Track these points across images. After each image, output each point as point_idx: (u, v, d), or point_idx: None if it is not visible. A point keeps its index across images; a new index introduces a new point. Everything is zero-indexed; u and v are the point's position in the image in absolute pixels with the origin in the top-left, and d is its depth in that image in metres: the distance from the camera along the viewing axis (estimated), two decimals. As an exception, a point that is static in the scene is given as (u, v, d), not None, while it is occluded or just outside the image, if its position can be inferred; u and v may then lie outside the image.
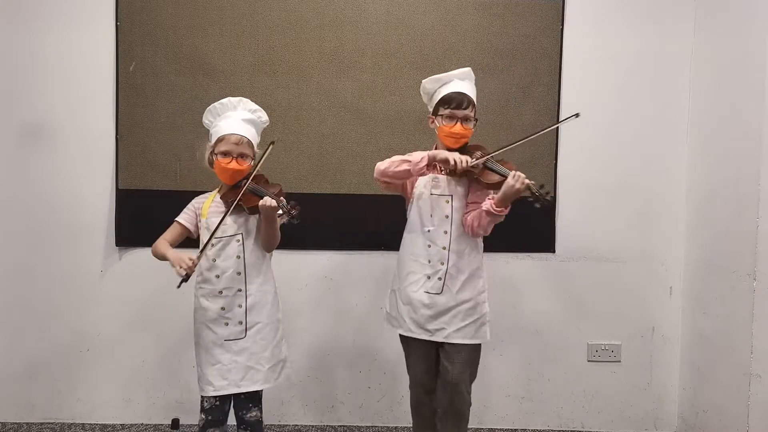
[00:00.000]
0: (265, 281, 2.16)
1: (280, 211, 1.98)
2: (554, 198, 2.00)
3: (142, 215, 2.81)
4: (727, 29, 2.60)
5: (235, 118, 2.13)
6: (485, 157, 2.14)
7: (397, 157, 2.16)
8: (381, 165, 2.17)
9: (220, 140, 2.10)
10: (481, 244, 2.26)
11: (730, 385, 2.49)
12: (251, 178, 2.09)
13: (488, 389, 2.88)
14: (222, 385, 2.09)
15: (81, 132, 2.82)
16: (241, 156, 2.10)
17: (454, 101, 2.16)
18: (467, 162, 2.09)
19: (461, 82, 2.21)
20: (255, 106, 2.20)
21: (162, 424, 2.89)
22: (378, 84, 2.81)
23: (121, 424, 2.88)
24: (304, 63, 2.80)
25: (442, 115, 2.18)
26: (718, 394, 2.57)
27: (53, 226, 2.84)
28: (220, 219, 2.07)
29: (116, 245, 2.84)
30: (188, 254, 2.04)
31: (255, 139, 2.17)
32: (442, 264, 2.16)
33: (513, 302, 2.89)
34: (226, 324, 2.10)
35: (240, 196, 2.05)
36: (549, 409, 2.93)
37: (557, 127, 2.80)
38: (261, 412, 2.20)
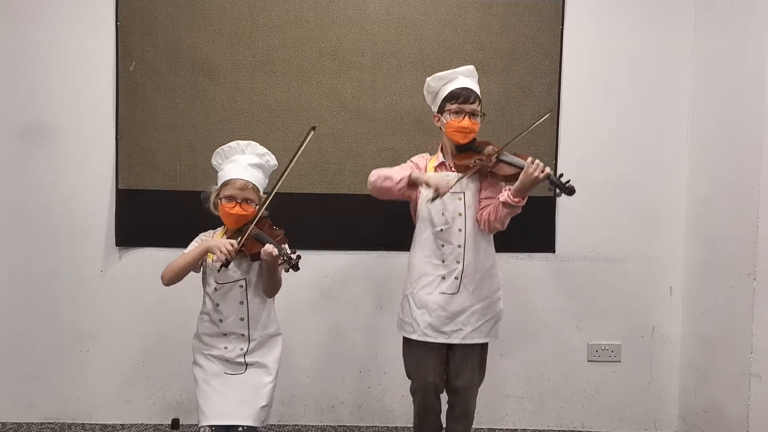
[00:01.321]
0: (268, 325, 2.15)
1: (282, 260, 1.95)
2: (573, 187, 1.99)
3: (142, 215, 2.81)
4: (727, 29, 2.60)
5: (242, 162, 2.11)
6: (498, 151, 2.13)
7: (383, 172, 2.15)
8: (371, 177, 2.17)
9: (225, 184, 2.08)
10: (493, 243, 2.24)
11: (730, 385, 2.49)
12: (255, 222, 2.05)
13: (488, 389, 2.87)
14: (214, 416, 2.07)
15: (81, 132, 2.82)
16: (246, 201, 2.08)
17: (462, 96, 2.16)
18: (450, 186, 2.06)
19: (466, 78, 2.21)
20: (263, 150, 2.16)
21: (162, 424, 2.89)
22: (378, 84, 2.81)
23: (121, 424, 2.88)
24: (304, 63, 2.80)
25: (449, 110, 2.17)
26: (718, 394, 2.57)
27: (53, 226, 2.84)
28: (237, 263, 2.05)
29: (116, 245, 2.84)
30: (224, 240, 1.99)
31: (261, 183, 2.14)
32: (458, 263, 2.15)
33: (513, 302, 2.88)
34: (227, 360, 2.09)
35: (242, 242, 2.01)
36: (549, 409, 2.93)
37: (558, 125, 2.81)
38: None
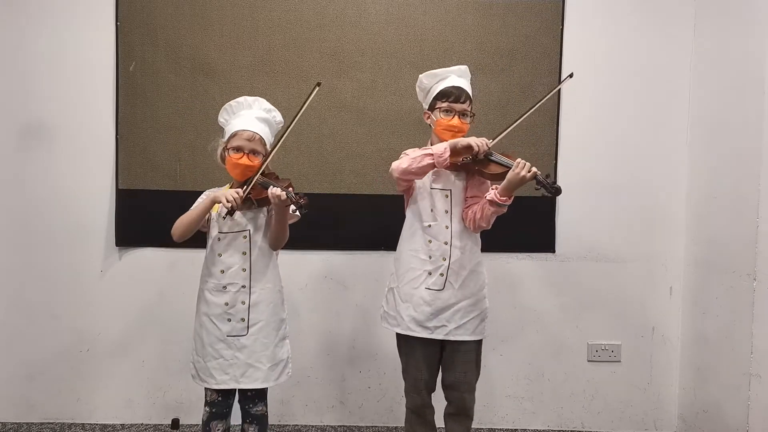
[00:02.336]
0: (270, 279, 2.16)
1: (289, 202, 1.97)
2: (559, 187, 2.00)
3: (142, 215, 2.81)
4: (727, 29, 2.60)
5: (250, 116, 2.14)
6: (488, 148, 2.12)
7: (416, 152, 2.14)
8: (401, 164, 2.12)
9: (233, 136, 2.11)
10: (480, 242, 2.24)
11: (730, 385, 2.49)
12: (261, 172, 2.09)
13: (488, 389, 2.88)
14: (223, 380, 2.10)
15: (81, 132, 2.82)
16: (253, 152, 2.11)
17: (453, 95, 2.16)
18: (487, 144, 2.08)
19: (458, 78, 2.21)
20: (270, 106, 2.20)
21: (162, 424, 2.89)
22: (378, 84, 2.81)
23: (121, 424, 2.88)
24: (304, 63, 2.80)
25: (439, 108, 2.17)
26: (718, 394, 2.57)
27: (53, 226, 2.84)
28: (237, 214, 2.09)
29: (116, 245, 2.84)
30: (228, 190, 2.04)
31: (268, 137, 2.18)
32: (444, 260, 2.15)
33: (513, 302, 2.89)
34: (229, 320, 2.10)
35: (249, 189, 2.05)
36: (549, 409, 2.93)
37: (558, 128, 2.81)
38: (266, 407, 2.21)
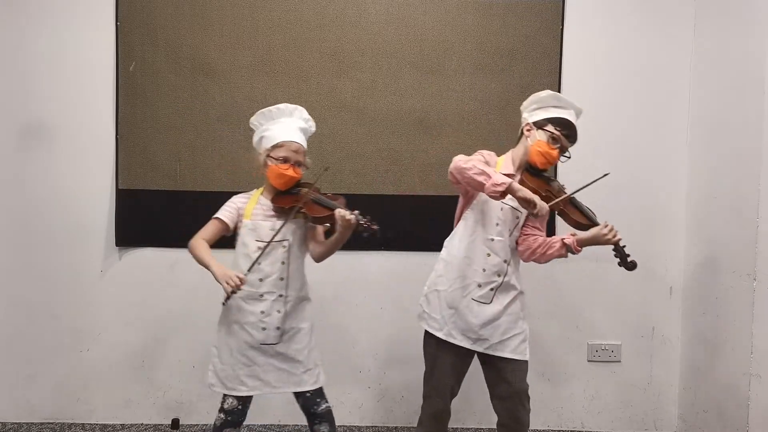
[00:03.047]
0: (303, 287, 2.17)
1: (360, 229, 1.98)
2: (635, 263, 2.06)
3: (142, 215, 2.81)
4: (727, 29, 2.60)
5: (292, 126, 2.13)
6: (570, 194, 2.13)
7: (479, 163, 2.02)
8: (462, 162, 2.02)
9: (278, 146, 2.09)
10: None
11: (730, 385, 2.49)
12: (299, 184, 2.12)
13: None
14: (256, 386, 2.09)
15: (81, 132, 2.82)
16: (298, 164, 2.11)
17: (570, 129, 2.12)
18: (546, 211, 2.02)
19: (575, 117, 2.17)
20: (308, 116, 2.20)
21: (162, 424, 2.89)
22: (378, 84, 2.81)
23: (121, 424, 2.88)
24: (304, 63, 2.80)
25: (547, 131, 2.11)
26: (718, 394, 2.57)
27: (53, 226, 2.84)
28: (277, 224, 2.07)
29: (116, 245, 2.84)
30: (234, 272, 1.98)
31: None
32: (499, 276, 2.12)
33: (513, 302, 2.88)
34: (264, 329, 2.08)
35: (303, 205, 2.06)
36: (549, 409, 2.93)
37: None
38: (328, 402, 2.21)
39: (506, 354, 2.13)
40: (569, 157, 2.16)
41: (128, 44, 2.79)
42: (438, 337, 2.15)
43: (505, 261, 2.12)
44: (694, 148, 2.82)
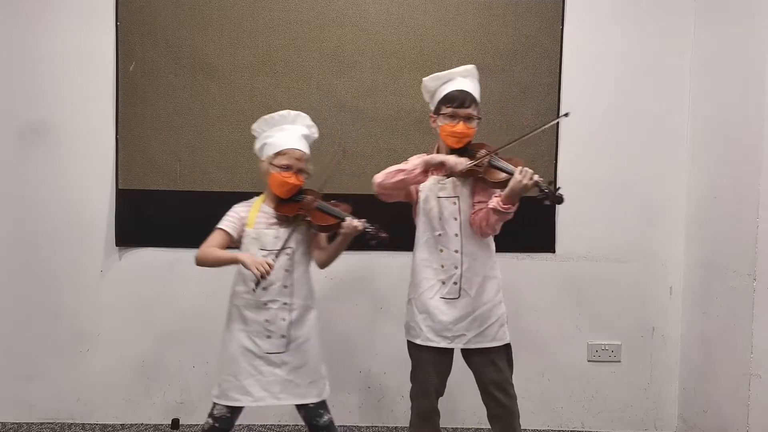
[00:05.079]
0: (309, 295, 2.16)
1: (367, 237, 1.99)
2: (561, 196, 1.98)
3: (142, 215, 2.82)
4: (727, 29, 2.60)
5: (295, 133, 2.13)
6: (489, 155, 2.08)
7: (392, 168, 2.12)
8: (378, 177, 2.12)
9: (281, 153, 2.09)
10: (493, 245, 2.22)
11: (730, 385, 2.49)
12: (302, 191, 2.12)
13: (488, 389, 2.88)
14: (261, 396, 2.07)
15: (81, 132, 2.82)
16: (300, 171, 2.11)
17: (457, 100, 2.10)
18: (464, 165, 2.05)
19: (464, 79, 2.16)
20: (311, 122, 2.20)
21: (162, 424, 2.89)
22: (378, 84, 2.81)
23: (121, 424, 2.88)
24: (304, 63, 2.80)
25: (444, 114, 2.12)
26: (718, 394, 2.57)
27: (53, 226, 2.84)
28: (281, 232, 2.08)
29: (116, 245, 2.84)
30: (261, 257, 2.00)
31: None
32: (456, 268, 2.12)
33: (513, 302, 2.86)
34: (269, 337, 2.07)
35: (307, 213, 2.06)
36: (549, 409, 2.93)
37: (558, 124, 2.81)
38: (330, 414, 2.19)
39: (485, 344, 2.14)
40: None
41: (128, 44, 2.79)
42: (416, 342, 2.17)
43: (456, 251, 2.12)
44: (694, 148, 2.82)
